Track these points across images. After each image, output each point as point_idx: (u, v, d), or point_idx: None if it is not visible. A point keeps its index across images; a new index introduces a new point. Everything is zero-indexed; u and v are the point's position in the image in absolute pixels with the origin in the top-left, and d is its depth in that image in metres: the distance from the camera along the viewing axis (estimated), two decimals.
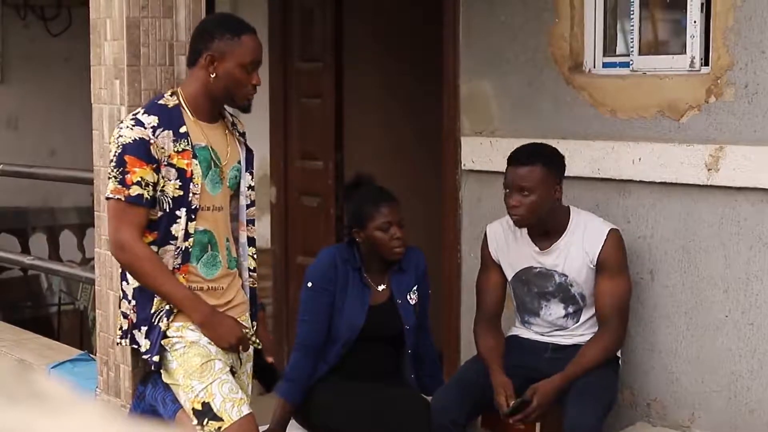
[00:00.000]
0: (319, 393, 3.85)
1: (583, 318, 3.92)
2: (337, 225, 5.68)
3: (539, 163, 3.76)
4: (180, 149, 3.16)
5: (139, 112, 3.20)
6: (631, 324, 3.98)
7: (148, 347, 3.21)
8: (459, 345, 4.74)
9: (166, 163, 3.15)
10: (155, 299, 3.19)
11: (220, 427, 3.10)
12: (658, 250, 4.00)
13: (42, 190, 8.03)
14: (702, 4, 3.88)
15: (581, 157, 4.07)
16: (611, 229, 3.85)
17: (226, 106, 3.36)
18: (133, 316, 3.25)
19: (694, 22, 3.91)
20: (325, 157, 5.82)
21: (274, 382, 3.56)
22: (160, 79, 3.58)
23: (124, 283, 3.29)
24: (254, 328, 3.42)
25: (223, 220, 3.30)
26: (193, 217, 3.20)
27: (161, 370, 3.22)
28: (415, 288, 3.95)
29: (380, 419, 3.78)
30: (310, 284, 3.87)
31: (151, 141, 3.12)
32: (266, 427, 3.83)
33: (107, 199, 3.18)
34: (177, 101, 3.23)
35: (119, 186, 3.12)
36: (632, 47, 4.13)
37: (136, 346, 3.27)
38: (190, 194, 3.18)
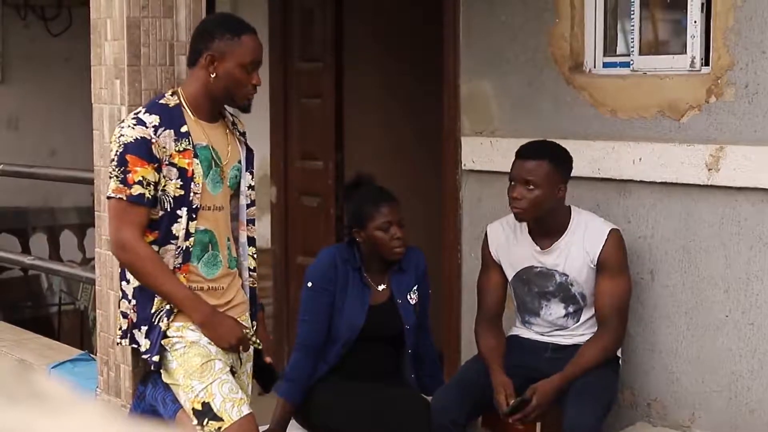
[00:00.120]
0: (319, 393, 3.85)
1: (583, 318, 3.92)
2: (337, 225, 5.68)
3: (547, 159, 3.78)
4: (181, 148, 3.16)
5: (140, 111, 3.20)
6: (631, 324, 3.99)
7: (148, 347, 3.21)
8: (459, 345, 4.74)
9: (167, 162, 3.15)
10: (156, 299, 3.19)
11: (220, 427, 3.10)
12: (659, 250, 4.00)
13: (42, 190, 8.02)
14: (702, 4, 3.88)
15: (581, 157, 4.07)
16: (612, 229, 3.86)
17: (226, 106, 3.36)
18: (133, 316, 3.25)
19: (695, 22, 3.91)
20: (325, 157, 5.82)
21: (272, 383, 3.55)
22: (161, 79, 3.58)
23: (123, 282, 3.29)
24: (254, 328, 3.42)
25: (223, 219, 3.31)
26: (194, 216, 3.20)
27: (161, 370, 3.22)
28: (415, 288, 3.95)
29: (380, 419, 3.78)
30: (310, 284, 3.87)
31: (153, 140, 3.12)
32: (266, 427, 3.83)
33: (108, 198, 3.18)
34: (178, 101, 3.23)
35: (121, 185, 3.12)
36: (632, 47, 4.13)
37: (136, 346, 3.27)
38: (191, 194, 3.18)
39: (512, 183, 3.81)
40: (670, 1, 4.22)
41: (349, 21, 5.77)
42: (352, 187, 4.05)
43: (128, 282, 3.26)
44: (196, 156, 3.19)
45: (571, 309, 3.92)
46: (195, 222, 3.20)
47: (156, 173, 3.14)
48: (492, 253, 4.02)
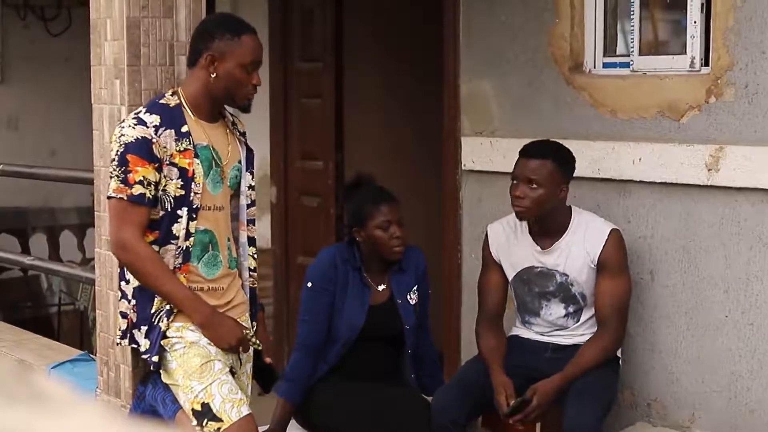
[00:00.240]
0: (319, 393, 3.85)
1: (583, 318, 3.92)
2: (337, 225, 5.68)
3: (551, 159, 3.78)
4: (182, 148, 3.16)
5: (141, 111, 3.20)
6: (631, 324, 3.99)
7: (147, 347, 3.21)
8: (459, 345, 4.74)
9: (168, 162, 3.15)
10: (156, 299, 3.19)
11: (219, 428, 3.10)
12: (659, 251, 4.00)
13: (42, 191, 8.02)
14: (702, 5, 3.88)
15: (581, 158, 4.07)
16: (612, 229, 3.86)
17: (226, 106, 3.36)
18: (133, 316, 3.25)
19: (694, 22, 3.91)
20: (325, 157, 5.82)
21: (272, 383, 3.55)
22: (161, 79, 3.58)
23: (123, 282, 3.29)
24: (254, 329, 3.42)
25: (223, 219, 3.30)
26: (195, 216, 3.20)
27: (161, 371, 3.22)
28: (415, 288, 3.95)
29: (380, 419, 3.78)
30: (310, 284, 3.87)
31: (154, 140, 3.12)
32: (266, 427, 3.83)
33: (109, 198, 3.17)
34: (178, 101, 3.23)
35: (121, 185, 3.12)
36: (632, 47, 4.13)
37: (135, 346, 3.27)
38: (192, 194, 3.18)
39: (515, 181, 3.81)
40: (670, 2, 4.22)
41: (349, 21, 5.77)
42: (352, 187, 4.06)
43: (128, 282, 3.26)
44: (196, 156, 3.19)
45: (571, 309, 3.92)
46: (195, 222, 3.20)
47: (157, 173, 3.14)
48: (492, 253, 4.02)
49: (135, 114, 3.19)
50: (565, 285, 3.89)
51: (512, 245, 3.97)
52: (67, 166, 6.65)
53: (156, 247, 3.18)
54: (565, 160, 3.85)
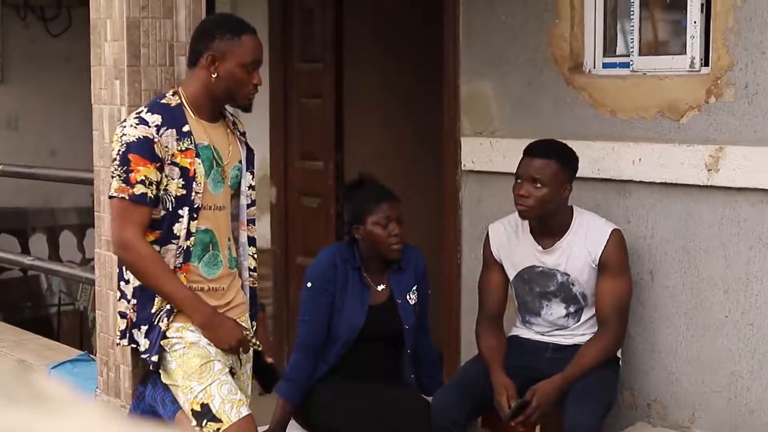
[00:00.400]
0: (319, 393, 3.85)
1: (583, 318, 3.92)
2: (337, 225, 5.68)
3: (555, 159, 3.79)
4: (183, 148, 3.16)
5: (142, 110, 3.20)
6: (631, 324, 3.99)
7: (147, 347, 3.21)
8: (459, 345, 4.74)
9: (169, 161, 3.15)
10: (156, 299, 3.19)
11: (219, 429, 3.10)
12: (658, 251, 4.00)
13: (42, 191, 8.03)
14: (702, 5, 3.88)
15: (581, 158, 4.06)
16: (614, 230, 3.86)
17: (226, 106, 3.36)
18: (133, 316, 3.25)
19: (694, 22, 3.90)
20: (325, 157, 5.82)
21: (273, 383, 3.55)
22: (161, 80, 3.58)
23: (122, 283, 3.28)
24: (254, 329, 3.42)
25: (224, 219, 3.31)
26: (196, 216, 3.20)
27: (160, 371, 3.22)
28: (414, 288, 3.95)
29: (380, 419, 3.78)
30: (309, 284, 3.87)
31: (155, 139, 3.12)
32: (266, 427, 3.83)
33: (111, 197, 3.17)
34: (179, 101, 3.23)
35: (123, 184, 3.12)
36: (632, 48, 4.13)
37: (135, 346, 3.27)
38: (193, 193, 3.18)
39: (519, 180, 3.82)
40: (670, 2, 4.22)
41: (349, 21, 5.77)
42: (353, 187, 4.05)
43: (127, 282, 3.26)
44: (197, 155, 3.19)
45: (571, 309, 3.92)
46: (196, 222, 3.20)
47: (158, 173, 3.14)
48: (493, 253, 4.02)
49: (136, 114, 3.19)
50: (566, 285, 3.89)
51: (513, 245, 3.97)
52: (67, 166, 6.65)
53: (157, 247, 3.18)
54: (568, 159, 3.86)
